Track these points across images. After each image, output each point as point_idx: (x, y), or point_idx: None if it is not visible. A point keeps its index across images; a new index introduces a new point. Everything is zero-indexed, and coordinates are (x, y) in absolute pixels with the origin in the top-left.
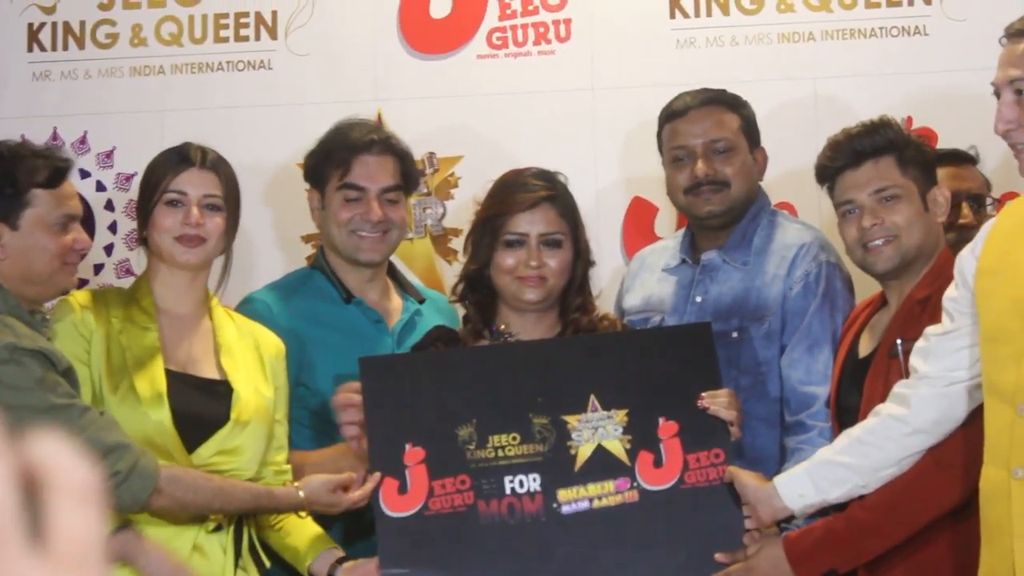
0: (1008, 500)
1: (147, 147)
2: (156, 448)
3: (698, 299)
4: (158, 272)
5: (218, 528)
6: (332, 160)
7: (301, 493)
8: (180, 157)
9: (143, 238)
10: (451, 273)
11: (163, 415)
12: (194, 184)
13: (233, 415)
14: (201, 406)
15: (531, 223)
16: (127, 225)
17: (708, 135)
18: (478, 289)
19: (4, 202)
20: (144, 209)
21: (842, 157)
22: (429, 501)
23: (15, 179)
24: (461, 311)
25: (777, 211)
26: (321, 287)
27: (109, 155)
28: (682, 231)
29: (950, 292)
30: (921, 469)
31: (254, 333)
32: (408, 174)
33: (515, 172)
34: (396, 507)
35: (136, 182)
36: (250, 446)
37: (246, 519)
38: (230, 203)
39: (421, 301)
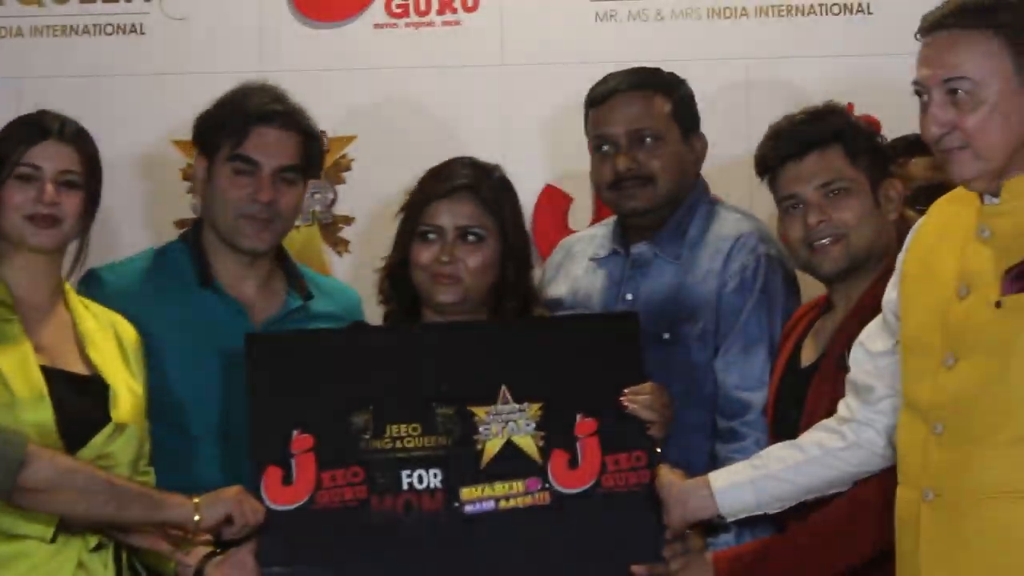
0: (917, 524)
1: (2, 118)
2: None
3: (628, 297)
4: (7, 256)
5: (99, 547)
6: (225, 127)
7: (196, 515)
8: (35, 127)
9: None
10: (340, 265)
11: (45, 416)
12: (50, 158)
13: (113, 415)
14: (79, 405)
15: (448, 214)
16: None
17: (632, 124)
18: (400, 286)
19: None
20: None
21: (785, 147)
22: (316, 494)
23: None
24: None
25: (717, 200)
26: (176, 265)
27: None
28: (612, 218)
29: (889, 293)
30: (874, 489)
31: (112, 321)
32: (311, 156)
33: (448, 160)
34: (279, 499)
35: None
36: (128, 450)
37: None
38: (89, 180)
39: (307, 298)
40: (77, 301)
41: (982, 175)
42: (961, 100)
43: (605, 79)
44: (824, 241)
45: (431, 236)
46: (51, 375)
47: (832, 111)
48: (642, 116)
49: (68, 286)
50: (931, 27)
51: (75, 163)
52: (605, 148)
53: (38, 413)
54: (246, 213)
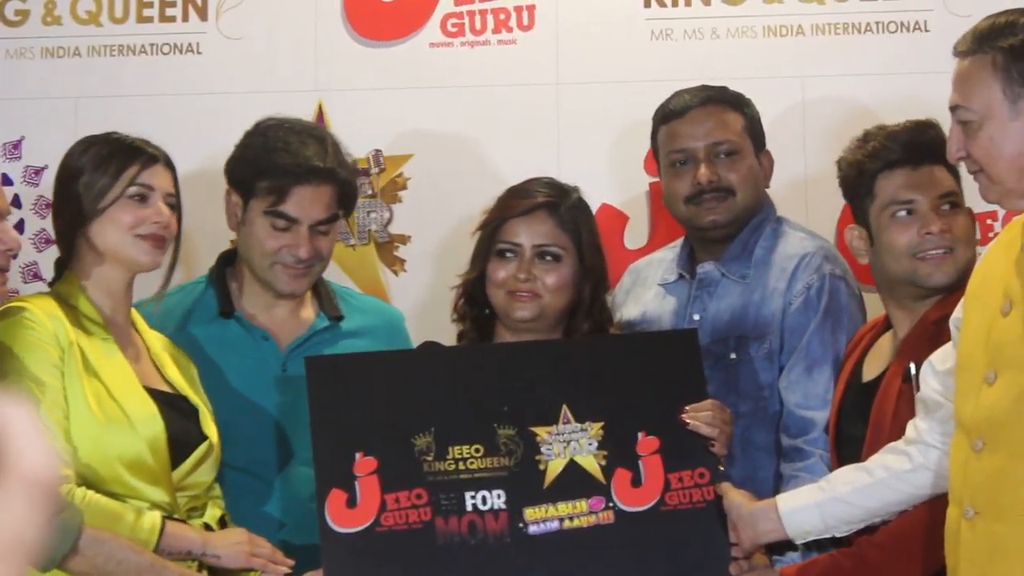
0: (957, 542)
1: (59, 137)
2: (143, 470)
3: (696, 317)
4: (94, 276)
5: None
6: (264, 180)
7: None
8: (134, 149)
9: (72, 236)
10: (397, 284)
11: (158, 432)
12: (160, 180)
13: (208, 433)
14: (180, 423)
15: (526, 233)
16: (36, 224)
17: (710, 137)
18: (476, 304)
19: None
20: (89, 203)
21: (896, 151)
22: (381, 516)
23: None
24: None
25: (783, 219)
26: (200, 300)
27: (16, 145)
28: (679, 241)
29: (956, 312)
30: (938, 508)
31: (171, 347)
32: (347, 199)
33: (527, 180)
34: (344, 522)
35: (47, 176)
36: (211, 470)
37: None
38: (179, 203)
39: (337, 319)
40: (143, 325)
41: (1003, 198)
42: (968, 127)
43: (677, 95)
44: (938, 251)
45: (509, 254)
46: (149, 393)
47: (937, 127)
48: (721, 129)
49: (134, 310)
50: (956, 53)
51: (172, 185)
52: (681, 163)
53: (152, 429)
54: (283, 262)
